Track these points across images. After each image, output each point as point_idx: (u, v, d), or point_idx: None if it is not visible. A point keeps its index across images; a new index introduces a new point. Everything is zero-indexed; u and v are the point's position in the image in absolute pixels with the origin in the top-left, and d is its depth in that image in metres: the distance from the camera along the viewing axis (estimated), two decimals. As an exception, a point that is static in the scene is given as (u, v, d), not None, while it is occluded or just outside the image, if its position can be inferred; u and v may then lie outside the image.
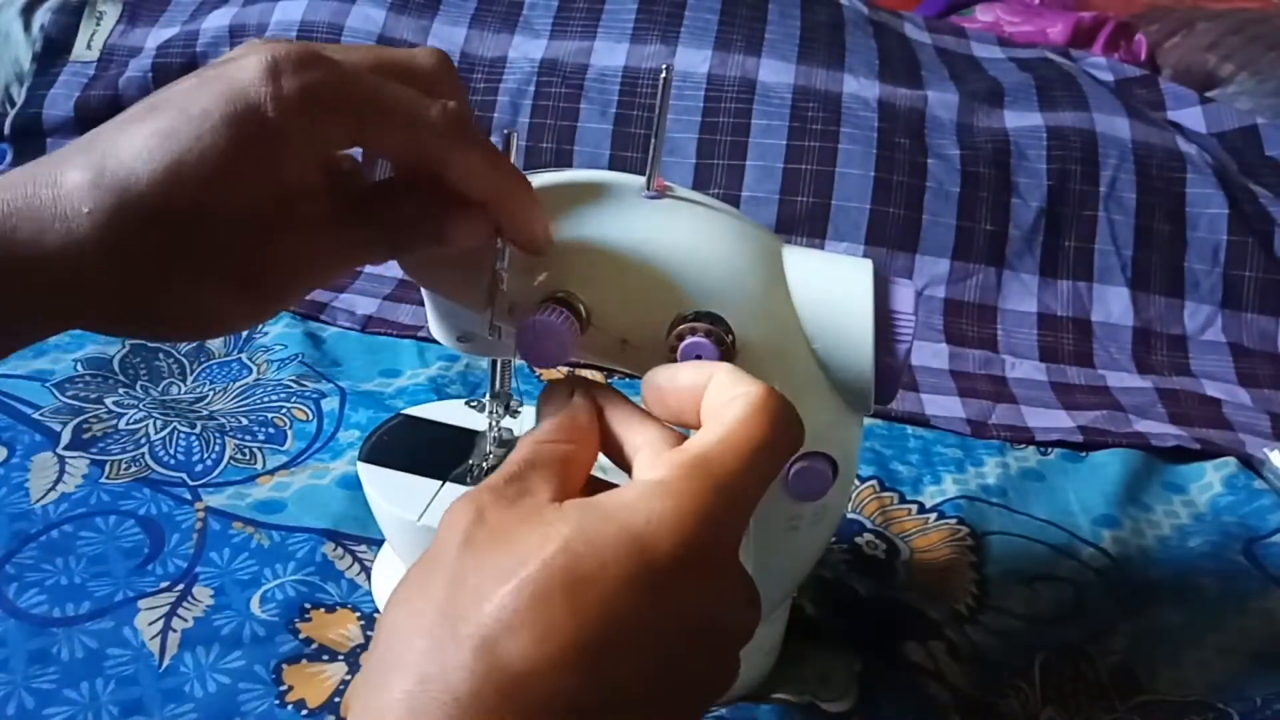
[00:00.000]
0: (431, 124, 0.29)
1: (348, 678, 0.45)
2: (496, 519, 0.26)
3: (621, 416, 0.30)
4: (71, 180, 0.27)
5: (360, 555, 0.52)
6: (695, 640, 0.25)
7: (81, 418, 0.60)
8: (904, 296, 0.37)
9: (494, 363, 0.46)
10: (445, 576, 0.25)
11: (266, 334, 0.71)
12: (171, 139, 0.27)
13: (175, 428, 0.60)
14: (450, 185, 0.31)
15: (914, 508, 0.60)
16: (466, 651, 0.23)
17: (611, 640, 0.24)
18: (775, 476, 0.28)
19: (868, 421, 0.66)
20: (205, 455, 0.58)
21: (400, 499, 0.45)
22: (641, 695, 0.24)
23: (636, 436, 0.30)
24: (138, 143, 0.27)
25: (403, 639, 0.24)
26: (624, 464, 0.30)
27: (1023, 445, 0.67)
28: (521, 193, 0.32)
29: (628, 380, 0.70)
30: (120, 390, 0.63)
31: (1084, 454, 0.66)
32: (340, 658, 0.46)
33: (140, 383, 0.65)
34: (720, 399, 0.28)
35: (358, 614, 0.49)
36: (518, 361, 0.49)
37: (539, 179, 0.37)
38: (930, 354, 0.77)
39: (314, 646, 0.46)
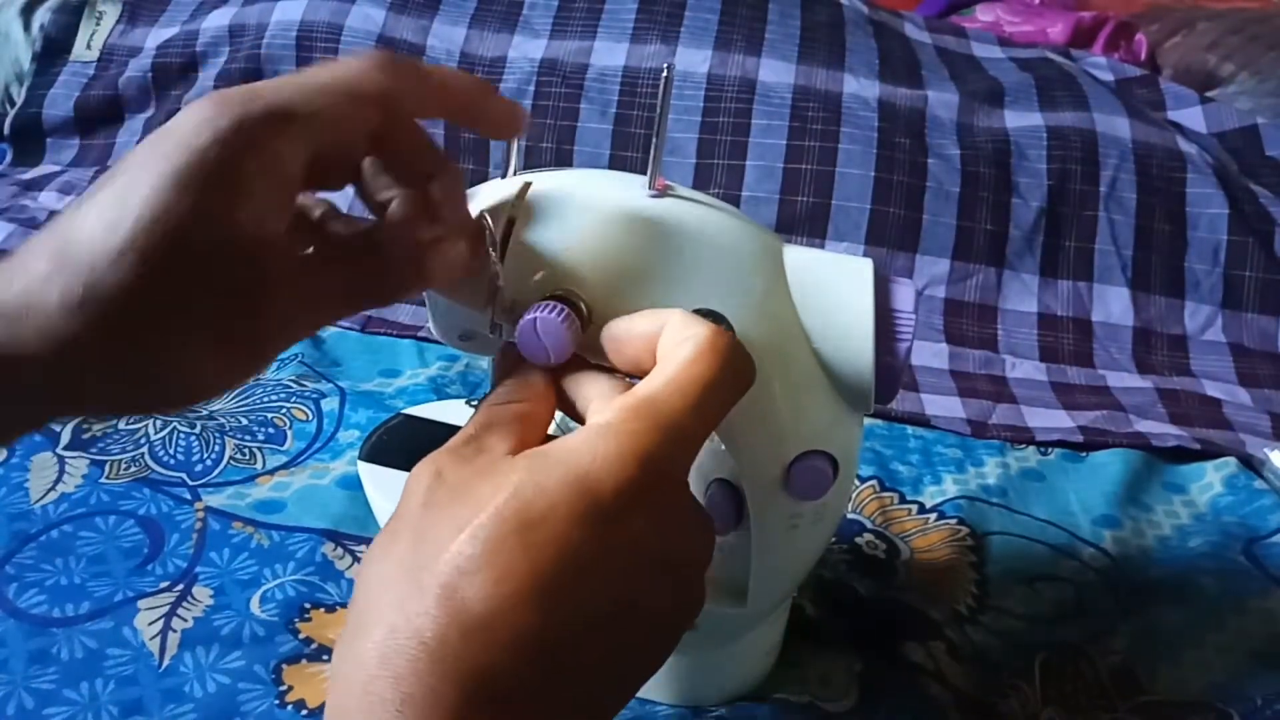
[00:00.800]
0: (373, 80, 0.28)
1: (347, 678, 0.45)
2: (454, 477, 0.27)
3: (574, 372, 0.32)
4: (37, 270, 0.26)
5: (360, 555, 0.52)
6: (651, 570, 0.26)
7: (81, 417, 0.60)
8: (904, 295, 0.37)
9: (494, 361, 0.46)
10: (408, 534, 0.26)
11: (266, 334, 0.71)
12: (124, 208, 0.26)
13: (175, 428, 0.60)
14: (417, 129, 0.31)
15: (914, 508, 0.60)
16: (430, 598, 0.24)
17: (567, 575, 0.25)
18: (724, 415, 0.29)
19: (868, 421, 0.66)
20: (205, 455, 0.58)
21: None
22: (604, 626, 0.25)
23: (589, 389, 0.31)
24: (92, 219, 0.26)
25: (373, 595, 0.25)
26: (579, 418, 0.31)
27: (1023, 445, 0.67)
28: (480, 92, 0.32)
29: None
30: (120, 390, 0.63)
31: (1084, 454, 0.66)
32: (340, 658, 0.46)
33: (140, 382, 0.65)
34: (671, 341, 0.29)
35: (358, 614, 0.49)
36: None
37: (540, 178, 0.37)
38: (930, 354, 0.77)
39: (314, 646, 0.46)
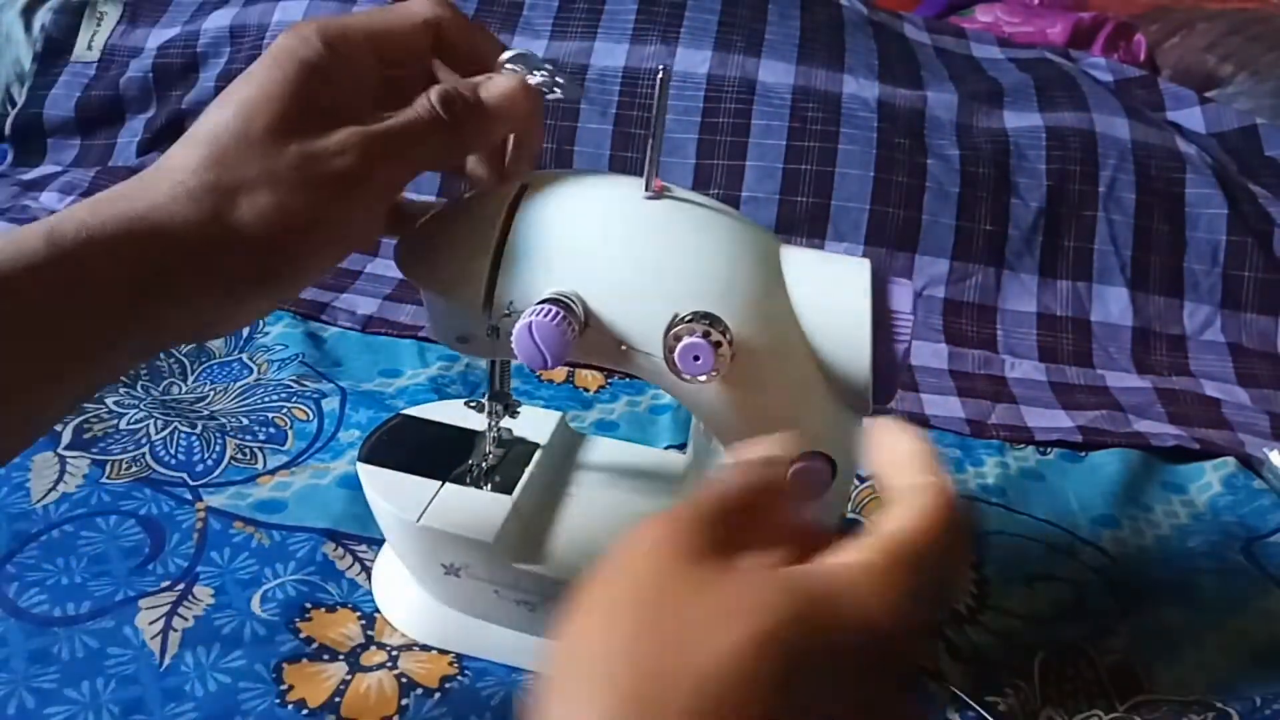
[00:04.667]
0: (425, 8, 0.37)
1: (348, 677, 0.45)
2: (709, 568, 0.25)
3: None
4: (186, 163, 0.33)
5: (361, 555, 0.52)
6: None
7: (82, 417, 0.60)
8: (902, 296, 0.37)
9: (493, 363, 0.46)
10: (653, 604, 0.24)
11: (267, 334, 0.71)
12: (254, 104, 0.33)
13: (176, 428, 0.60)
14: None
15: (913, 507, 0.60)
16: (684, 698, 0.22)
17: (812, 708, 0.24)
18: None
19: (868, 421, 0.66)
20: (206, 455, 0.58)
21: (400, 499, 0.45)
22: None
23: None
24: (229, 115, 0.33)
25: (594, 654, 0.24)
26: None
27: (1022, 445, 0.67)
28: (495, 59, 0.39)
29: (628, 380, 0.70)
30: (121, 390, 0.64)
31: (1083, 454, 0.66)
32: (340, 657, 0.46)
33: (141, 382, 0.65)
34: (908, 483, 0.29)
35: (358, 613, 0.49)
36: (516, 362, 0.49)
37: (537, 180, 0.37)
38: (930, 354, 0.78)
39: (314, 646, 0.47)
